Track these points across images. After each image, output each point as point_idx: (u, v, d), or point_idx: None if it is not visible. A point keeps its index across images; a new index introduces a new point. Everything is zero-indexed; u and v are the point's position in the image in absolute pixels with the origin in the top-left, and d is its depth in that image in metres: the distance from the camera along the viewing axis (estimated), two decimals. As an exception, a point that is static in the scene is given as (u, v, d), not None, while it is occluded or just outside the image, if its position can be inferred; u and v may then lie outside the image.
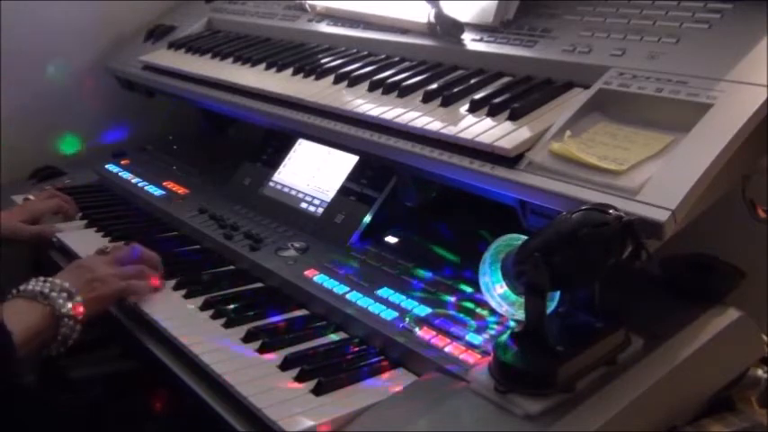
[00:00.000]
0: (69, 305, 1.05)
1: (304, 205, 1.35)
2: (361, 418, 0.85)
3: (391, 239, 1.23)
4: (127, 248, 1.22)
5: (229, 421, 0.88)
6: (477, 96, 1.08)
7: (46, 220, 1.46)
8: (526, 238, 0.83)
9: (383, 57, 1.36)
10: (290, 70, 1.40)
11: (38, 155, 1.81)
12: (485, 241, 0.89)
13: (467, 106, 1.08)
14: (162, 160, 1.79)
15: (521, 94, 1.07)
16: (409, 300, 1.04)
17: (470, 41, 1.24)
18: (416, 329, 0.97)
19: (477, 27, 1.25)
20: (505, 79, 1.15)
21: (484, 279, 0.88)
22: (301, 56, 1.46)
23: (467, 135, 1.00)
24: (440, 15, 1.25)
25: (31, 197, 1.53)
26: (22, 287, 1.06)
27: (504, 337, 0.84)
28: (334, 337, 1.03)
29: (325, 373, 0.91)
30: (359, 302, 1.05)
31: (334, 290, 1.09)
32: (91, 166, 1.79)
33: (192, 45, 1.71)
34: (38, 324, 1.02)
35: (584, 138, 0.94)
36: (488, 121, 1.03)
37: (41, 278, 1.07)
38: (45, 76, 1.83)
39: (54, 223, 1.45)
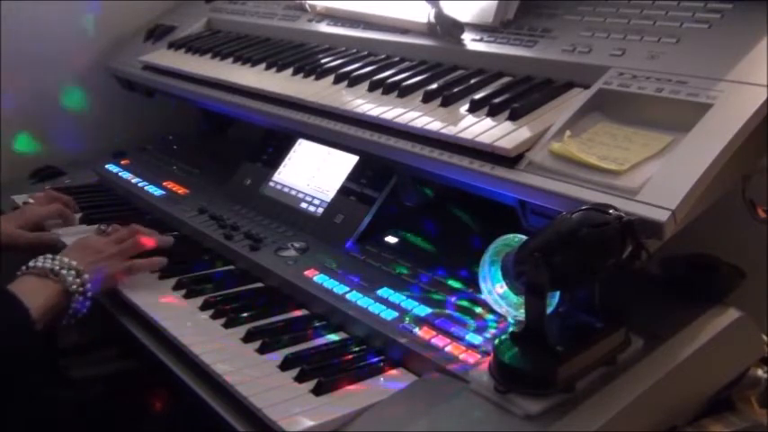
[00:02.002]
0: (78, 281, 1.09)
1: (304, 205, 1.35)
2: (361, 418, 0.85)
3: (391, 239, 1.23)
4: (126, 229, 1.26)
5: (229, 421, 0.88)
6: (477, 96, 1.08)
7: (47, 226, 1.44)
8: (526, 238, 0.83)
9: (383, 57, 1.36)
10: (290, 70, 1.40)
11: (38, 155, 1.81)
12: (485, 241, 0.89)
13: (467, 106, 1.08)
14: (162, 160, 1.79)
15: (521, 94, 1.07)
16: (409, 300, 1.04)
17: (470, 41, 1.24)
18: (416, 329, 0.97)
19: (477, 27, 1.25)
20: (505, 79, 1.15)
21: (483, 279, 0.88)
22: (301, 56, 1.46)
23: (467, 135, 1.00)
24: (440, 15, 1.25)
25: (31, 201, 1.52)
26: (31, 263, 1.10)
27: (504, 337, 0.84)
28: (334, 337, 1.03)
29: (325, 373, 0.91)
30: (359, 302, 1.05)
31: (334, 290, 1.09)
32: (91, 166, 1.79)
33: (192, 45, 1.71)
34: (51, 300, 1.07)
35: (584, 138, 0.94)
36: (488, 121, 1.03)
37: (49, 255, 1.12)
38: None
39: (53, 228, 1.44)
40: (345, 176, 1.32)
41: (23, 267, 1.10)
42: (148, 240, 1.24)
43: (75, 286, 1.09)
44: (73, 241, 1.23)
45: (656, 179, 0.84)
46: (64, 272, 1.09)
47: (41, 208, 1.47)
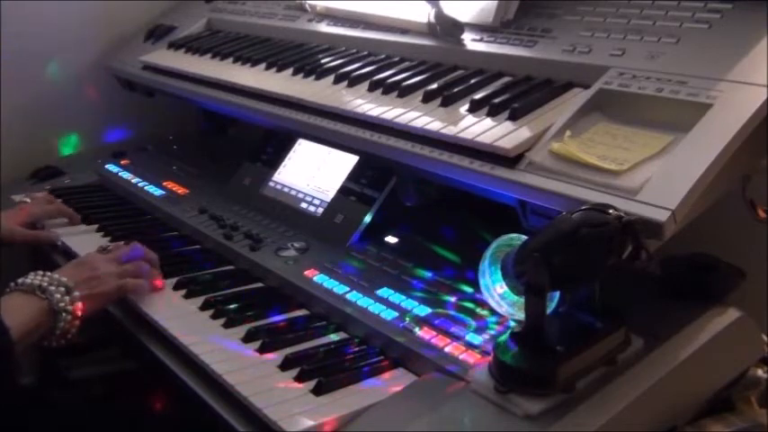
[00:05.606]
0: (67, 299, 1.05)
1: (304, 205, 1.35)
2: (361, 418, 0.85)
3: (391, 239, 1.23)
4: (128, 247, 1.22)
5: (229, 421, 0.88)
6: (477, 96, 1.08)
7: (46, 225, 1.45)
8: (526, 238, 0.83)
9: (383, 57, 1.36)
10: (290, 70, 1.40)
11: (38, 155, 1.81)
12: (485, 241, 0.89)
13: (467, 106, 1.08)
14: (162, 160, 1.79)
15: (521, 94, 1.07)
16: (409, 300, 1.04)
17: (470, 41, 1.24)
18: (416, 329, 0.97)
19: (477, 27, 1.25)
20: (505, 79, 1.15)
21: (483, 279, 0.88)
22: (301, 56, 1.46)
23: (467, 135, 1.00)
24: (440, 15, 1.25)
25: (27, 200, 1.53)
26: (20, 280, 1.06)
27: (504, 337, 0.84)
28: (334, 337, 1.03)
29: (325, 373, 0.91)
30: (359, 302, 1.05)
31: (334, 290, 1.09)
32: (91, 166, 1.79)
33: (192, 45, 1.71)
34: (35, 318, 1.02)
35: (584, 138, 0.94)
36: (488, 121, 1.03)
37: (40, 272, 1.07)
38: (46, 76, 1.83)
39: (53, 228, 1.44)
40: (345, 176, 1.32)
41: (12, 284, 1.05)
42: (150, 269, 1.18)
43: (62, 304, 1.03)
44: (72, 260, 1.19)
45: (656, 179, 0.84)
46: (52, 288, 1.04)
47: (38, 207, 1.48)
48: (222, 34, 1.77)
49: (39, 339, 1.04)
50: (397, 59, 1.33)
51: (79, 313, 1.05)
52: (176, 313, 1.10)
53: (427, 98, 1.13)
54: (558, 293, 0.86)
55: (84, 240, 1.39)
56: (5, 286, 1.07)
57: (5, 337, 0.95)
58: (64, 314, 1.04)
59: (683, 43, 1.00)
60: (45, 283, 1.04)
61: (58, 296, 1.04)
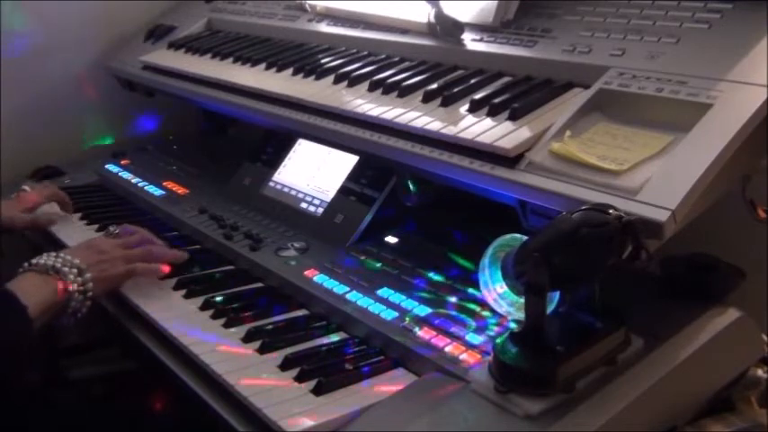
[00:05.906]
0: (80, 280, 1.08)
1: (304, 205, 1.35)
2: (361, 418, 0.85)
3: (391, 239, 1.23)
4: (138, 235, 1.24)
5: (229, 421, 0.88)
6: (477, 96, 1.08)
7: (43, 209, 1.47)
8: (526, 238, 0.83)
9: (383, 57, 1.36)
10: (290, 70, 1.40)
11: (38, 155, 1.81)
12: (484, 241, 0.89)
13: (467, 106, 1.08)
14: (162, 160, 1.79)
15: (521, 94, 1.07)
16: (409, 300, 1.04)
17: (470, 41, 1.24)
18: (416, 329, 0.97)
19: (477, 27, 1.25)
20: (505, 79, 1.15)
21: (483, 279, 0.88)
22: (301, 56, 1.46)
23: (467, 135, 1.00)
24: (440, 15, 1.25)
25: (27, 188, 1.54)
26: (33, 260, 1.09)
27: (504, 337, 0.84)
28: (334, 337, 1.03)
29: (325, 373, 0.91)
30: (359, 302, 1.05)
31: (334, 290, 1.09)
32: (91, 166, 1.79)
33: (192, 45, 1.71)
34: (50, 298, 1.05)
35: (584, 138, 0.94)
36: (488, 121, 1.03)
37: (53, 253, 1.10)
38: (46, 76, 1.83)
39: (50, 213, 1.47)
40: (345, 176, 1.32)
41: (25, 264, 1.09)
42: (159, 252, 1.21)
43: (75, 285, 1.07)
44: (81, 242, 1.22)
45: (656, 179, 0.84)
46: (66, 269, 1.07)
47: (36, 192, 1.50)
48: (222, 34, 1.77)
49: (50, 319, 1.06)
50: (397, 59, 1.33)
51: (90, 294, 1.09)
52: (176, 313, 1.10)
53: (427, 98, 1.13)
54: (558, 293, 0.86)
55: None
56: (9, 272, 1.09)
57: (24, 316, 0.99)
58: (77, 294, 1.07)
59: (683, 43, 1.00)
60: (59, 264, 1.08)
61: (72, 277, 1.07)
